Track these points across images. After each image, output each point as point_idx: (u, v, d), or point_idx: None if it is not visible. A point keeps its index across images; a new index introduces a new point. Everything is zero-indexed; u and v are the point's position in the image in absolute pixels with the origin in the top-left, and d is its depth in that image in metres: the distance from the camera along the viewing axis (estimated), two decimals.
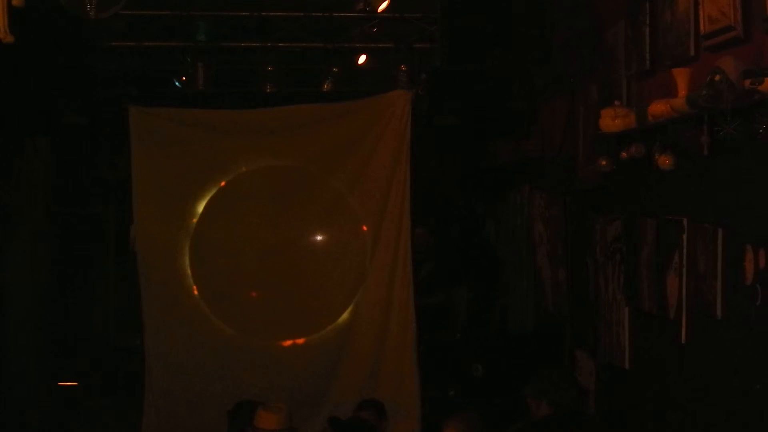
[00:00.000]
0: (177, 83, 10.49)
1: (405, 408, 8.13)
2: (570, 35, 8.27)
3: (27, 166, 10.36)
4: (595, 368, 7.62)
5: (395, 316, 8.53)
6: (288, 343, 8.78)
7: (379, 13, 9.35)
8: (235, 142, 8.74)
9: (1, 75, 7.99)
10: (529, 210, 10.31)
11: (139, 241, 8.80)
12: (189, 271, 8.70)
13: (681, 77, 5.34)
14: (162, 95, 9.83)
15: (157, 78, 10.13)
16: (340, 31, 9.42)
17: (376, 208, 8.58)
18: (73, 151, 11.53)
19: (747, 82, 4.38)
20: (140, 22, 9.08)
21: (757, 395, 4.71)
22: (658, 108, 5.47)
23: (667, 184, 5.90)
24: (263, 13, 9.12)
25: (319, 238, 8.92)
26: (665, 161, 5.53)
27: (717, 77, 4.54)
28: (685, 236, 5.61)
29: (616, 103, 6.45)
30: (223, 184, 8.76)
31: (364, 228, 8.69)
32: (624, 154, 6.13)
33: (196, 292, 8.73)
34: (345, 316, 8.69)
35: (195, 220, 8.73)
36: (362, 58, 10.38)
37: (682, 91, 5.29)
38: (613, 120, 6.16)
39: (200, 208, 8.72)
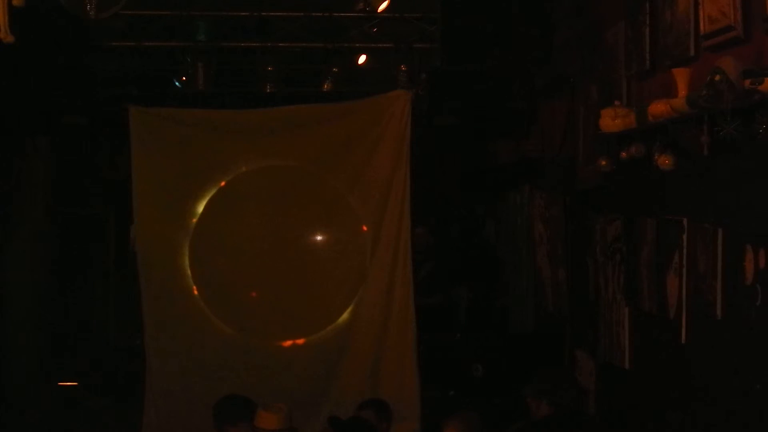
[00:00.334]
0: (177, 83, 10.49)
1: (405, 408, 8.13)
2: (570, 35, 8.27)
3: (27, 166, 10.37)
4: (595, 368, 7.62)
5: (395, 316, 8.52)
6: (288, 343, 8.78)
7: (379, 13, 9.35)
8: (235, 142, 8.74)
9: (1, 75, 7.99)
10: (529, 210, 10.31)
11: (139, 241, 8.79)
12: (189, 271, 8.70)
13: (681, 77, 5.34)
14: (162, 95, 9.83)
15: (157, 78, 10.14)
16: (340, 31, 9.42)
17: (376, 208, 8.57)
18: (73, 151, 11.54)
19: (747, 82, 4.38)
20: (140, 22, 9.08)
21: (757, 395, 4.71)
22: (658, 108, 5.47)
23: (667, 184, 5.90)
24: (263, 13, 9.12)
25: (319, 238, 8.92)
26: (665, 161, 5.53)
27: (717, 77, 4.54)
28: (685, 236, 5.61)
29: (616, 103, 6.45)
30: (223, 184, 8.75)
31: (364, 228, 8.68)
32: (624, 154, 6.13)
33: (196, 292, 8.73)
34: (345, 316, 8.68)
35: (195, 220, 8.73)
36: (362, 58, 10.39)
37: (682, 91, 5.29)
38: (613, 120, 6.16)
39: (200, 208, 8.71)
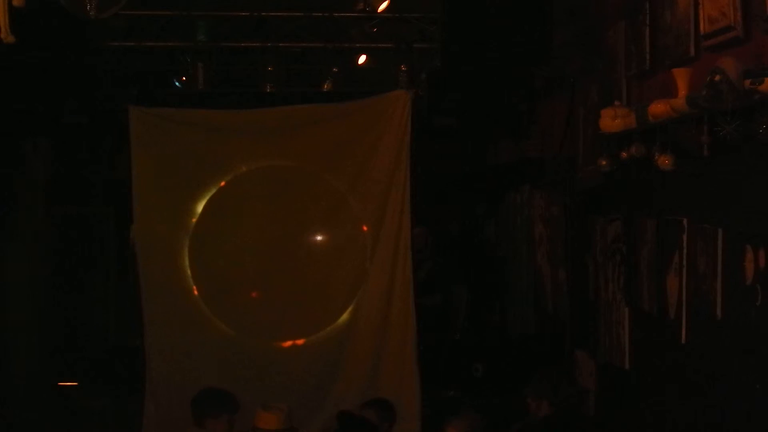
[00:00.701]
0: (177, 83, 10.49)
1: (405, 408, 8.12)
2: (570, 35, 8.27)
3: (27, 166, 10.37)
4: (595, 368, 7.62)
5: (395, 316, 8.52)
6: (288, 343, 8.77)
7: (379, 13, 9.35)
8: (235, 142, 8.73)
9: (1, 75, 7.99)
10: (529, 210, 10.31)
11: (139, 241, 8.79)
12: (189, 271, 8.69)
13: (681, 77, 5.34)
14: (162, 95, 9.83)
15: (157, 78, 10.13)
16: (340, 31, 9.42)
17: (376, 208, 8.57)
18: (73, 151, 11.54)
19: (747, 82, 4.38)
20: (140, 22, 9.09)
21: (757, 395, 4.71)
22: (658, 108, 5.47)
23: (667, 184, 5.90)
24: (263, 13, 9.12)
25: (319, 238, 8.91)
26: (665, 161, 5.53)
27: (717, 77, 4.54)
28: (685, 236, 5.61)
29: (616, 103, 6.45)
30: (222, 184, 8.75)
31: (364, 228, 8.68)
32: (624, 154, 6.13)
33: (196, 292, 8.73)
34: (345, 316, 8.68)
35: (195, 220, 8.72)
36: (362, 58, 10.38)
37: (682, 91, 5.29)
38: (613, 120, 6.16)
39: (200, 208, 8.71)
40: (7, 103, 8.32)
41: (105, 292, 13.05)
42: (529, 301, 10.27)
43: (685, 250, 5.60)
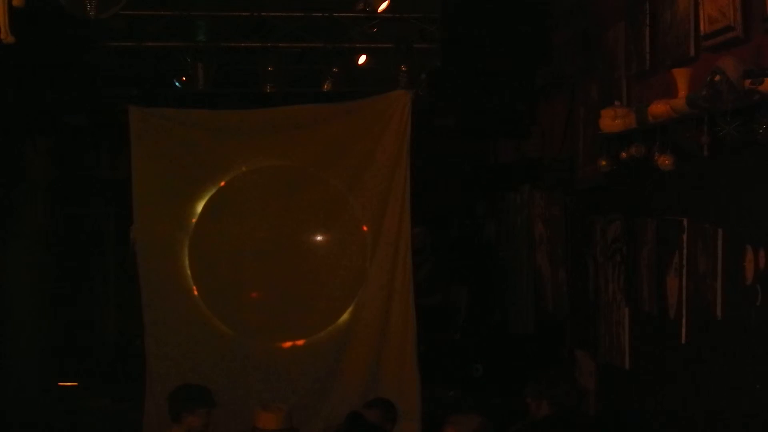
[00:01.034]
0: (177, 83, 10.48)
1: (405, 408, 8.12)
2: (570, 35, 8.27)
3: (27, 166, 10.37)
4: (595, 368, 7.62)
5: (395, 316, 8.52)
6: (288, 344, 8.77)
7: (379, 13, 9.35)
8: (235, 142, 8.74)
9: (1, 75, 7.99)
10: (529, 210, 10.31)
11: (139, 242, 8.79)
12: (189, 271, 8.70)
13: (681, 77, 5.35)
14: (162, 95, 9.82)
15: (157, 78, 10.13)
16: (340, 31, 9.42)
17: (376, 208, 8.57)
18: (73, 151, 11.53)
19: (747, 82, 4.38)
20: (140, 22, 9.08)
21: (757, 395, 4.71)
22: (658, 108, 5.48)
23: (667, 184, 5.90)
24: (263, 13, 9.11)
25: (319, 238, 8.91)
26: (665, 161, 5.53)
27: (717, 77, 4.55)
28: (685, 236, 5.61)
29: (616, 103, 6.45)
30: (222, 184, 8.75)
31: (364, 228, 8.68)
32: (624, 154, 6.13)
33: (195, 292, 8.73)
34: (345, 316, 8.68)
35: (195, 220, 8.73)
36: (362, 58, 10.38)
37: (682, 91, 5.30)
38: (613, 120, 6.16)
39: (200, 208, 8.71)
40: (7, 103, 8.31)
41: (105, 292, 13.05)
42: (529, 301, 10.27)
43: (685, 250, 5.61)
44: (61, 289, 11.47)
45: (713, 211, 5.27)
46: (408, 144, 8.43)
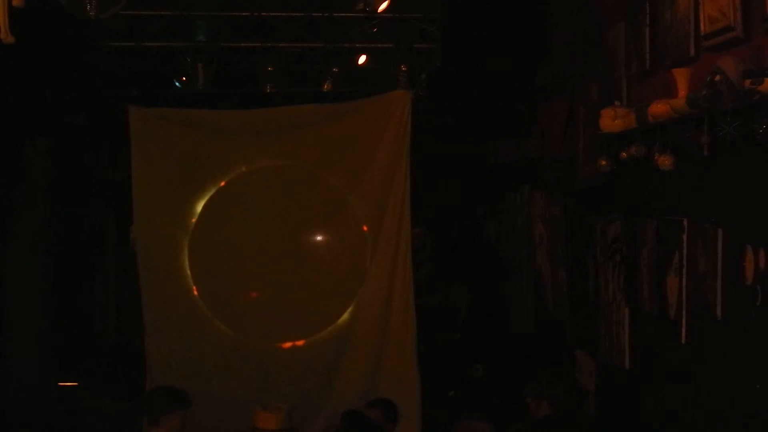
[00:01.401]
0: (177, 83, 10.48)
1: (405, 408, 8.11)
2: (570, 35, 8.27)
3: (27, 166, 10.36)
4: (595, 368, 7.62)
5: (395, 316, 8.52)
6: (287, 345, 8.77)
7: (379, 13, 9.34)
8: (235, 142, 8.73)
9: (1, 75, 7.99)
10: (529, 210, 10.31)
11: (139, 242, 8.79)
12: (189, 271, 8.69)
13: (681, 77, 5.35)
14: (162, 95, 9.82)
15: (157, 78, 10.12)
16: (340, 31, 9.41)
17: (376, 208, 8.57)
18: (73, 151, 11.53)
19: (747, 82, 4.38)
20: (140, 22, 9.08)
21: (757, 395, 4.71)
22: (658, 108, 5.47)
23: (667, 184, 5.90)
24: (263, 13, 9.11)
25: (319, 237, 8.91)
26: (665, 161, 5.53)
27: (717, 77, 4.55)
28: (685, 236, 5.61)
29: (616, 103, 6.45)
30: (222, 184, 8.75)
31: (364, 228, 8.68)
32: (624, 154, 6.13)
33: (195, 293, 8.72)
34: (345, 316, 8.68)
35: (195, 220, 8.72)
36: (362, 58, 10.38)
37: (682, 91, 5.30)
38: (613, 120, 6.16)
39: (200, 208, 8.71)
40: (8, 103, 8.31)
41: (105, 292, 13.04)
42: (529, 301, 10.27)
43: (685, 250, 5.61)
44: (61, 289, 11.46)
45: (713, 211, 5.27)
46: (408, 144, 8.43)
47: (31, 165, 10.43)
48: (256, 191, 8.79)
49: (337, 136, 8.66)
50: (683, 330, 5.64)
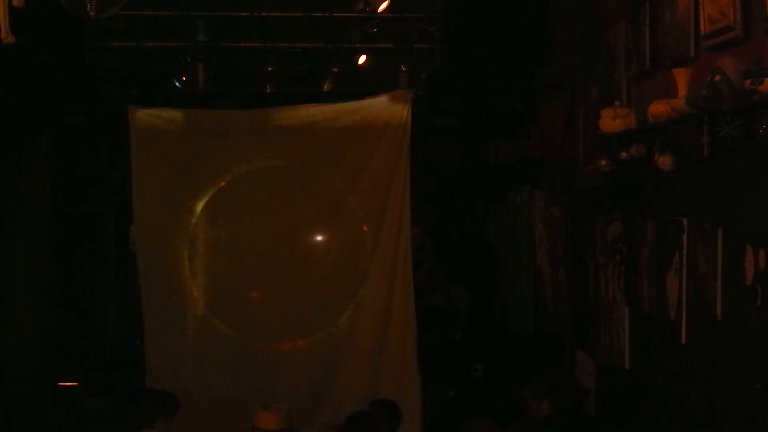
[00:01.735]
0: (177, 83, 10.48)
1: (405, 408, 8.12)
2: (570, 35, 8.27)
3: (27, 166, 10.36)
4: (595, 368, 7.62)
5: (395, 316, 8.52)
6: (287, 345, 8.77)
7: (379, 13, 9.34)
8: (235, 142, 8.74)
9: (1, 75, 7.99)
10: (529, 210, 10.31)
11: (139, 241, 8.79)
12: (189, 272, 8.70)
13: (681, 77, 5.35)
14: (162, 95, 9.82)
15: (157, 78, 10.12)
16: (340, 31, 9.41)
17: (376, 208, 8.58)
18: (73, 151, 11.53)
19: (747, 82, 4.38)
20: (140, 22, 9.08)
21: (757, 395, 4.71)
22: (658, 108, 5.47)
23: (667, 184, 5.90)
24: (263, 13, 9.11)
25: (319, 238, 8.92)
26: (665, 161, 5.53)
27: (717, 77, 4.55)
28: (685, 236, 5.61)
29: (616, 103, 6.45)
30: (223, 184, 8.75)
31: (364, 228, 8.69)
32: (624, 154, 6.13)
33: (195, 293, 8.73)
34: (345, 316, 8.68)
35: (195, 220, 8.73)
36: (362, 58, 10.38)
37: (682, 91, 5.30)
38: (613, 120, 6.16)
39: (200, 208, 8.72)
40: (7, 103, 8.31)
41: (105, 292, 13.04)
42: (529, 301, 10.27)
43: (685, 250, 5.60)
44: (61, 288, 11.46)
45: (713, 211, 5.27)
46: (408, 144, 8.43)
47: (31, 165, 10.42)
48: (257, 191, 8.80)
49: (337, 136, 8.66)
50: (683, 330, 5.64)
